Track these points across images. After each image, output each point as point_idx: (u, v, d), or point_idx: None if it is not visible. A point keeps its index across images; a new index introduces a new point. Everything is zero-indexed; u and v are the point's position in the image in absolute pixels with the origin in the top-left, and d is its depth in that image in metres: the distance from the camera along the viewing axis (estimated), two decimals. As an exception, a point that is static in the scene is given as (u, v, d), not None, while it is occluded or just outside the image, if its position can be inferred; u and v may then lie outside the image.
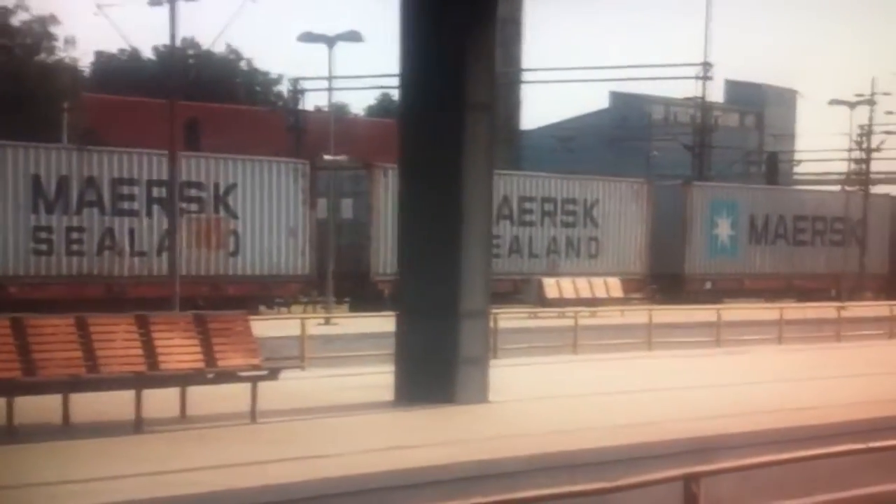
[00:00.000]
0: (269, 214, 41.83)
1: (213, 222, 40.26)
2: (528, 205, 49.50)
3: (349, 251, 44.16)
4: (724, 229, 55.54)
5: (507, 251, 48.26)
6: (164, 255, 38.24)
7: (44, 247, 37.61)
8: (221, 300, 37.97)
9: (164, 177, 37.01)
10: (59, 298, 34.62)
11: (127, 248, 39.28)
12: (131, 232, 39.36)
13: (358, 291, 43.91)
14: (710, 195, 56.35)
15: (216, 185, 40.62)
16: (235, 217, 41.22)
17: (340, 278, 42.30)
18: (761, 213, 57.42)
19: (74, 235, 38.28)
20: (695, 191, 55.86)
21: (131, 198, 39.33)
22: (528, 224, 49.40)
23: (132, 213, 39.39)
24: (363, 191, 45.05)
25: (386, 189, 43.45)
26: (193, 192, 40.22)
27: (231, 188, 41.12)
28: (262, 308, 40.51)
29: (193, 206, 40.07)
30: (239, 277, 41.13)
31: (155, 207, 39.45)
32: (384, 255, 43.80)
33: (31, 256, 37.26)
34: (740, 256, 56.03)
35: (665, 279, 52.94)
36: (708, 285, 54.19)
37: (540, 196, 49.92)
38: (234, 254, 41.23)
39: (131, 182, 39.38)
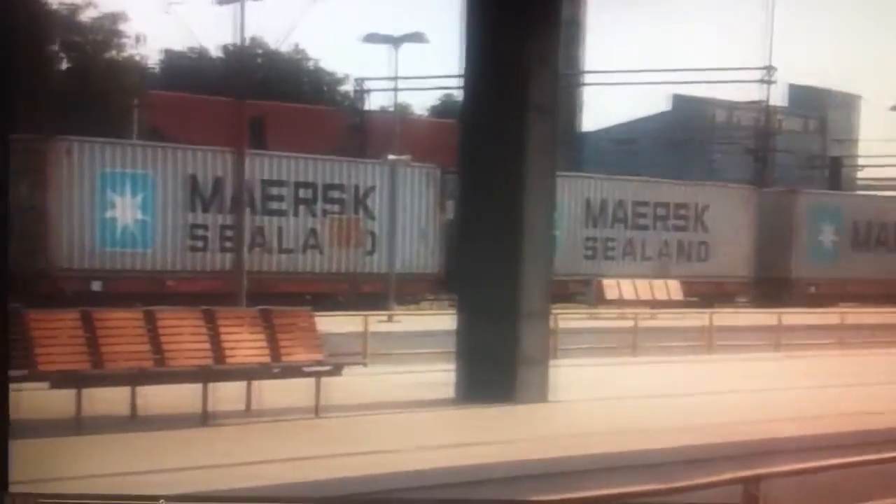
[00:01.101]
0: (402, 216, 43.14)
1: (353, 223, 41.50)
2: (641, 209, 50.39)
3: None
4: (827, 235, 55.64)
5: (621, 254, 49.35)
6: (309, 253, 40.76)
7: (199, 243, 39.17)
8: (357, 297, 39.31)
9: (311, 179, 40.50)
10: (210, 292, 35.74)
11: (275, 246, 40.73)
12: (279, 230, 40.87)
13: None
14: (814, 202, 56.51)
15: (356, 188, 41.95)
16: (373, 218, 42.60)
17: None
18: (863, 219, 57.43)
19: (227, 233, 39.72)
20: (801, 197, 55.94)
21: (280, 198, 40.93)
22: (642, 228, 50.28)
23: (280, 213, 40.89)
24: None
25: None
26: (335, 194, 41.80)
27: (370, 191, 42.52)
28: (394, 305, 41.64)
29: (335, 208, 41.69)
30: (374, 275, 42.32)
31: (301, 208, 41.18)
32: None
33: (186, 252, 38.73)
34: (843, 262, 56.08)
35: (770, 283, 53.26)
36: (812, 289, 54.25)
37: (653, 201, 50.78)
38: (371, 253, 42.62)
39: (280, 184, 40.94)
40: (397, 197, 42.87)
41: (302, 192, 41.21)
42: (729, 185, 54.83)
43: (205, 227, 39.07)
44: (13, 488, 9.35)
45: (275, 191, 40.96)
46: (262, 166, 40.80)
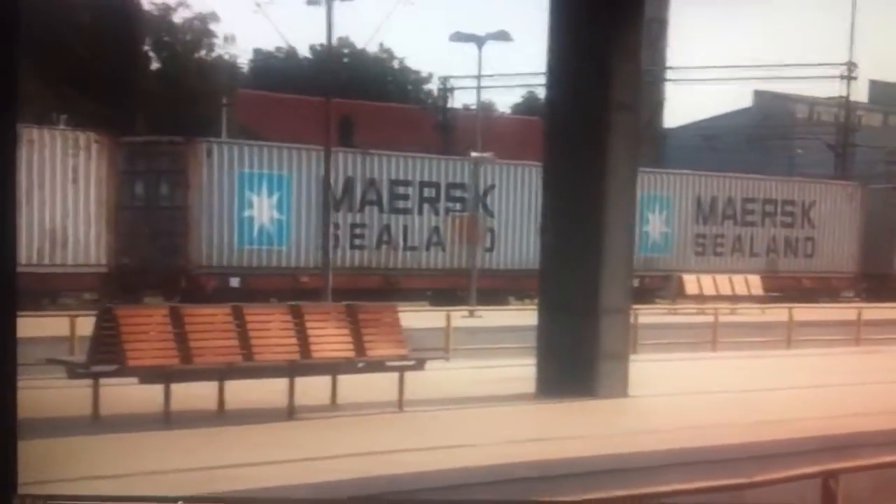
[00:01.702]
0: (519, 213, 44.09)
1: (473, 220, 41.98)
2: (750, 206, 50.94)
3: None
4: (931, 230, 55.88)
5: (730, 250, 50.00)
6: (433, 250, 42.32)
7: (331, 241, 39.63)
8: (476, 292, 39.73)
9: (434, 178, 42.19)
10: (342, 288, 36.43)
11: (401, 243, 41.95)
12: (405, 228, 42.02)
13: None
14: None
15: (476, 187, 42.67)
16: (492, 216, 43.60)
17: None
18: None
19: (357, 231, 41.05)
20: None
21: (405, 197, 42.06)
22: (750, 224, 50.78)
23: (406, 212, 42.04)
24: None
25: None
26: (457, 193, 42.93)
27: (489, 189, 43.61)
28: (510, 299, 42.97)
29: (457, 206, 42.76)
30: (493, 271, 43.11)
31: (425, 206, 42.41)
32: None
33: (319, 250, 39.14)
34: None
35: (875, 278, 53.25)
36: None
37: (762, 197, 51.26)
38: (490, 249, 43.60)
39: (406, 183, 42.06)
40: (514, 195, 44.00)
41: (426, 192, 42.48)
42: (834, 181, 55.56)
43: (336, 226, 39.78)
44: (41, 488, 9.41)
45: (401, 190, 42.02)
46: (389, 166, 41.88)
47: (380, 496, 11.93)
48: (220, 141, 39.47)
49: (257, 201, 38.34)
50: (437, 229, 42.54)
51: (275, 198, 38.92)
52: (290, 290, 36.60)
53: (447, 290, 39.76)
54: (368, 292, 36.71)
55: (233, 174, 37.77)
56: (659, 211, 47.87)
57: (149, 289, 37.18)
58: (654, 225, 47.71)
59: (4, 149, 7.41)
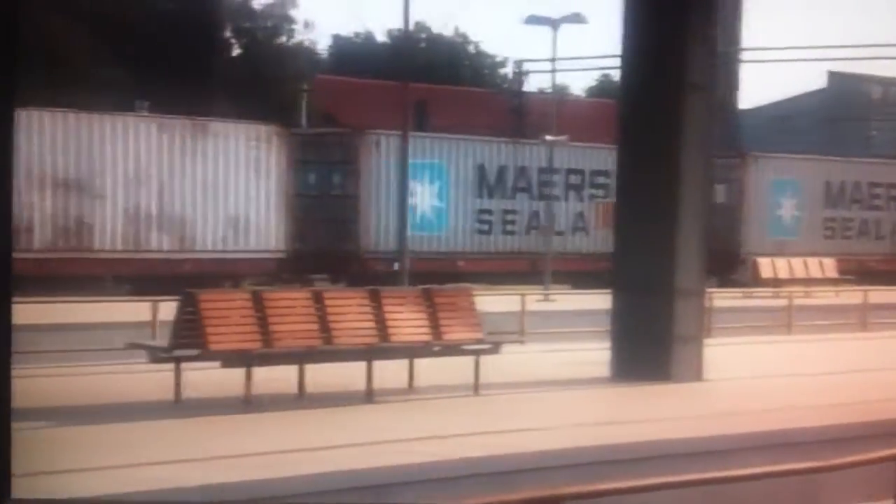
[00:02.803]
0: None
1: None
2: (877, 190, 51.63)
3: (722, 232, 46.82)
4: None
5: (856, 233, 50.83)
6: (577, 235, 44.05)
7: (485, 227, 42.12)
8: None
9: (579, 166, 44.01)
10: (494, 272, 38.84)
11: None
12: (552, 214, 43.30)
13: (726, 270, 45.28)
14: None
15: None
16: None
17: (716, 256, 44.39)
18: None
19: (509, 217, 42.53)
20: None
21: (553, 184, 43.35)
22: (877, 209, 51.57)
23: (553, 198, 43.27)
24: (735, 178, 48.23)
25: (756, 176, 47.90)
26: (601, 180, 44.00)
27: None
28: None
29: (600, 192, 44.02)
30: None
31: (571, 193, 44.20)
32: (755, 235, 47.52)
33: (475, 235, 41.64)
34: None
35: None
36: None
37: (887, 182, 51.97)
38: None
39: (554, 171, 43.26)
40: None
41: (572, 178, 44.19)
42: None
43: (490, 212, 41.77)
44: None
45: (549, 177, 43.06)
46: (538, 155, 43.14)
47: (457, 479, 11.94)
48: (387, 133, 40.26)
49: (419, 189, 40.14)
50: (581, 215, 44.19)
51: (435, 186, 40.89)
52: (449, 273, 38.81)
53: (591, 272, 40.11)
54: (517, 275, 38.74)
55: (399, 163, 38.41)
56: (790, 195, 48.66)
57: (320, 272, 38.98)
58: (785, 209, 48.65)
59: (1, 136, 7.37)
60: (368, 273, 37.40)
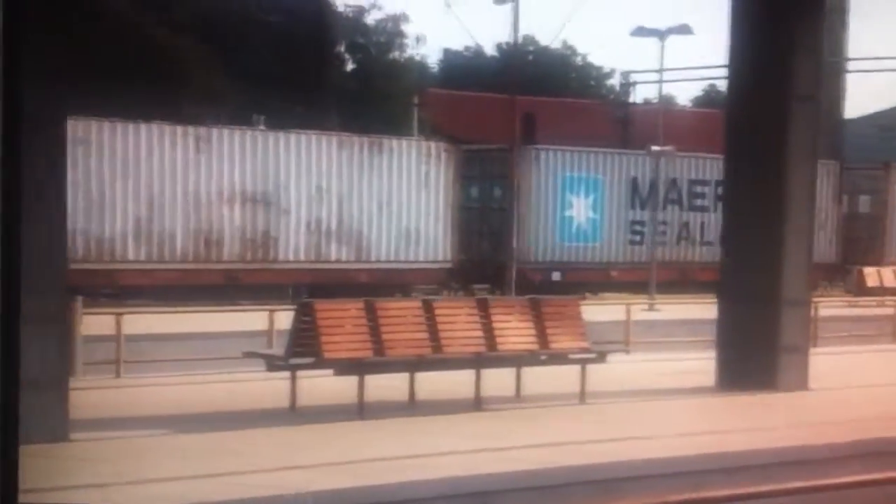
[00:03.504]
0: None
1: None
2: None
3: (864, 243, 48.51)
4: None
5: None
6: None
7: (637, 238, 42.75)
8: None
9: None
10: (645, 281, 39.26)
11: (697, 238, 44.01)
12: (701, 225, 44.00)
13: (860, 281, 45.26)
14: None
15: None
16: None
17: (862, 265, 45.35)
18: None
19: (660, 228, 42.92)
20: None
21: (702, 196, 44.09)
22: None
23: (703, 209, 44.01)
24: (879, 189, 48.84)
25: None
26: None
27: None
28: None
29: None
30: None
31: (720, 204, 43.39)
32: None
33: (627, 245, 42.31)
34: None
35: None
36: None
37: None
38: None
39: (703, 182, 43.96)
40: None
41: (721, 190, 43.30)
42: None
43: (641, 224, 42.23)
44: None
45: (699, 189, 43.87)
46: (688, 167, 43.86)
47: (564, 486, 11.90)
48: (545, 148, 41.65)
49: (576, 202, 41.00)
50: None
51: (591, 198, 41.47)
52: (603, 283, 39.99)
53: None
54: (667, 284, 39.35)
55: (556, 177, 40.51)
56: None
57: (481, 282, 40.12)
58: None
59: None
60: (527, 283, 38.00)
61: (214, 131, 35.39)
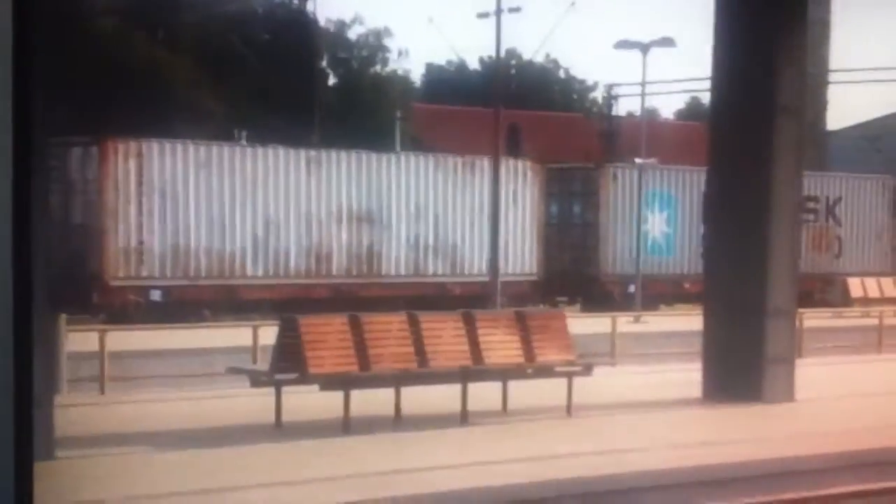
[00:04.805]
0: (862, 222, 47.36)
1: (825, 230, 45.71)
2: None
3: None
4: None
5: None
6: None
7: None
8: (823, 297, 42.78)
9: (812, 192, 44.46)
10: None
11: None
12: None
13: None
14: None
15: (827, 199, 46.31)
16: (840, 225, 46.73)
17: None
18: None
19: None
20: None
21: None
22: None
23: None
24: None
25: None
26: (811, 205, 45.47)
27: (837, 201, 46.88)
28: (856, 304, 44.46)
29: (811, 217, 45.45)
30: (842, 275, 45.22)
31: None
32: None
33: (698, 258, 41.62)
34: None
35: None
36: None
37: None
38: (838, 256, 46.76)
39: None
40: (858, 205, 47.20)
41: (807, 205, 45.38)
42: None
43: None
44: None
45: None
46: None
47: (553, 499, 11.85)
48: (623, 166, 43.00)
49: (651, 217, 42.32)
50: None
51: (665, 213, 42.81)
52: (676, 294, 41.20)
53: (804, 292, 40.72)
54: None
55: (633, 194, 41.57)
56: None
57: (562, 294, 41.44)
58: None
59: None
60: (606, 295, 39.86)
61: (324, 153, 37.26)
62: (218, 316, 32.73)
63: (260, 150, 35.93)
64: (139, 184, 33.59)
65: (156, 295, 33.57)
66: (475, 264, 39.02)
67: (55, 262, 32.30)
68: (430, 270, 38.33)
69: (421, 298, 35.14)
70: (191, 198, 34.23)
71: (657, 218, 42.77)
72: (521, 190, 40.16)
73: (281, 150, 36.16)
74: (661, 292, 41.04)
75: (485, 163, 39.34)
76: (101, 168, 33.31)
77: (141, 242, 33.55)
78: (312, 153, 36.93)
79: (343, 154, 37.55)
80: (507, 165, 39.90)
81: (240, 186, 34.97)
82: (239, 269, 35.07)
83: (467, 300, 33.66)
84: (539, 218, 40.60)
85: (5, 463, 2.35)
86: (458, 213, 38.84)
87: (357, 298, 34.82)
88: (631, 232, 41.50)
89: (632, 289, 40.19)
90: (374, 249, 37.50)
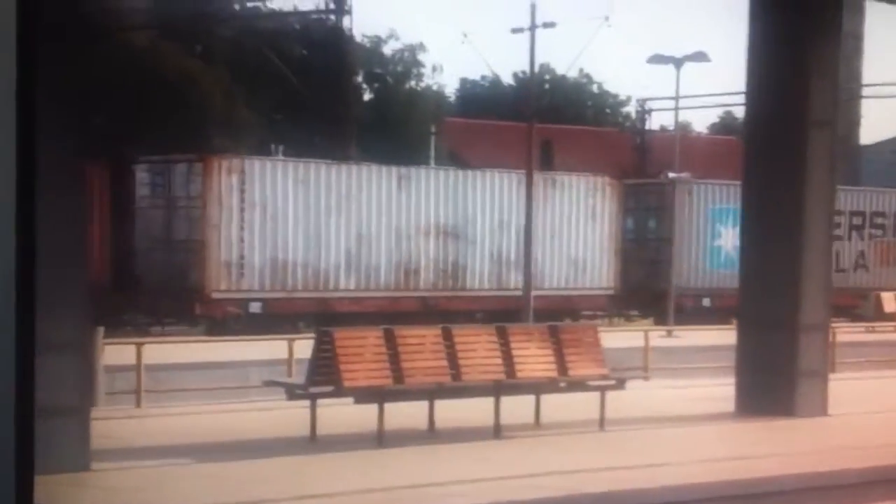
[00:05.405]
0: None
1: (893, 245, 46.49)
2: None
3: None
4: None
5: None
6: (859, 272, 46.47)
7: None
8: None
9: (860, 208, 46.35)
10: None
11: (833, 266, 45.40)
12: (836, 253, 43.93)
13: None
14: None
15: (895, 214, 47.24)
16: None
17: None
18: None
19: None
20: None
21: (837, 225, 44.34)
22: None
23: (837, 238, 44.24)
24: None
25: None
26: (879, 220, 46.90)
27: None
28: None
29: (878, 232, 46.80)
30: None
31: (853, 233, 46.66)
32: None
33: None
34: None
35: None
36: None
37: None
38: None
39: (838, 213, 44.60)
40: None
41: (854, 220, 46.51)
42: None
43: None
44: None
45: (834, 219, 44.36)
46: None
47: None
48: (697, 182, 43.54)
49: (724, 232, 42.52)
50: (862, 253, 46.54)
51: (737, 229, 41.84)
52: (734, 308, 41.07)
53: (846, 307, 41.38)
54: None
55: (707, 210, 42.73)
56: None
57: (637, 308, 42.48)
58: None
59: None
60: (680, 309, 39.98)
61: (413, 170, 38.18)
62: (311, 328, 33.19)
63: (354, 168, 36.80)
64: (241, 199, 34.14)
65: (255, 307, 34.06)
66: (555, 278, 39.71)
67: (159, 276, 33.36)
68: (512, 284, 38.62)
69: (503, 311, 35.63)
70: (289, 213, 34.87)
71: (730, 232, 42.20)
72: (601, 205, 40.86)
73: (374, 168, 36.97)
74: (733, 305, 40.75)
75: (565, 178, 40.53)
76: (204, 184, 33.83)
77: (242, 256, 34.08)
78: (403, 170, 37.61)
79: (431, 171, 38.76)
80: (588, 181, 40.90)
81: (335, 202, 35.65)
82: (332, 282, 35.75)
83: (546, 313, 34.21)
84: (616, 232, 41.26)
85: (6, 473, 2.35)
86: (540, 227, 39.06)
87: (442, 311, 35.47)
88: (703, 246, 42.35)
89: (705, 302, 41.05)
90: (459, 263, 38.29)
